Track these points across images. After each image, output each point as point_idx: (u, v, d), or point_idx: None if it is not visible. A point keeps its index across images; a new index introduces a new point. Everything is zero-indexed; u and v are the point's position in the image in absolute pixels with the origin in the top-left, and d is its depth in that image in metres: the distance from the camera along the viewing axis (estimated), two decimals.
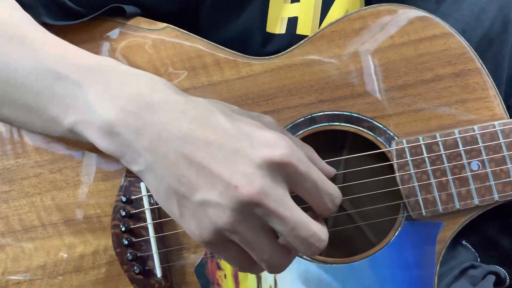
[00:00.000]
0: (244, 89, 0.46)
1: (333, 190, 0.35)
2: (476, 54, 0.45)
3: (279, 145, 0.33)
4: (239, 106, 0.46)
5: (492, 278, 0.62)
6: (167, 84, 0.37)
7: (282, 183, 0.33)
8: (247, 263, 0.35)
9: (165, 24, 0.48)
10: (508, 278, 0.64)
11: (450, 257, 0.62)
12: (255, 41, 0.51)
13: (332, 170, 0.38)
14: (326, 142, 0.52)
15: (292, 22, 0.51)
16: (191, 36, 0.47)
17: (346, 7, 0.51)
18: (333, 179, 0.53)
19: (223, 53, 0.47)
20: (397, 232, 0.44)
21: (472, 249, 0.67)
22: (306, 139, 0.47)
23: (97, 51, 0.47)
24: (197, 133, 0.33)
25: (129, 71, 0.38)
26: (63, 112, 0.37)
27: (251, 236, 0.33)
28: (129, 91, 0.35)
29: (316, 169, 0.34)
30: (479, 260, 0.66)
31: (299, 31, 0.51)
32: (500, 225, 0.73)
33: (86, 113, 0.36)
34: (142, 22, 0.48)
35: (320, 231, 0.33)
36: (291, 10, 0.51)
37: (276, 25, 0.51)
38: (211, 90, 0.46)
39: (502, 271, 0.64)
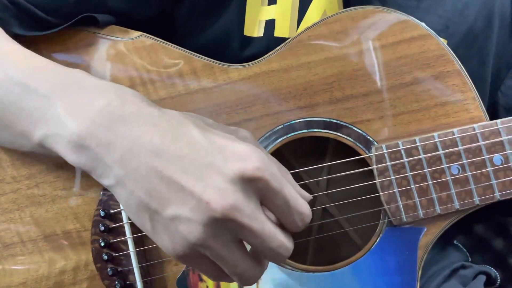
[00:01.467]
0: (222, 97, 0.46)
1: (304, 209, 0.34)
2: (454, 55, 0.44)
3: (251, 158, 0.32)
4: (217, 114, 0.46)
5: (482, 278, 0.62)
6: (140, 97, 0.36)
7: (253, 197, 0.33)
8: (222, 275, 0.35)
9: (140, 33, 0.47)
10: (499, 278, 0.64)
11: (441, 257, 0.63)
12: (233, 45, 0.51)
13: (307, 196, 0.37)
14: (308, 148, 0.51)
15: (270, 24, 0.50)
16: (167, 44, 0.46)
17: (323, 8, 0.50)
18: (317, 184, 0.53)
19: (199, 61, 0.46)
20: (379, 238, 0.44)
21: (464, 249, 0.67)
22: (287, 146, 0.47)
23: (70, 62, 0.46)
24: (169, 147, 0.33)
25: (99, 83, 0.37)
26: (32, 126, 0.37)
27: (223, 250, 0.32)
28: (100, 104, 0.35)
29: (288, 186, 0.34)
30: (470, 260, 0.66)
31: (277, 33, 0.50)
32: (492, 226, 0.74)
33: (55, 126, 0.35)
34: (116, 31, 0.47)
35: (287, 241, 0.34)
36: (268, 13, 0.50)
37: (254, 28, 0.50)
38: (188, 99, 0.46)
39: (493, 271, 0.65)
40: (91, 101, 0.35)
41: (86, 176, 0.45)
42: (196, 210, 0.31)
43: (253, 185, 0.32)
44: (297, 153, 0.52)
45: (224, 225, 0.32)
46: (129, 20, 0.48)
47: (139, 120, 0.34)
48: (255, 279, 0.35)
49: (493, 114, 0.57)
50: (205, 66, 0.46)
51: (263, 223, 0.32)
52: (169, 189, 0.32)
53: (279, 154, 0.49)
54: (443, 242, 0.64)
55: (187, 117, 0.36)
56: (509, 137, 0.42)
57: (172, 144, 0.33)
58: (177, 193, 0.32)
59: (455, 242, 0.67)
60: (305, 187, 0.50)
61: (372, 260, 0.43)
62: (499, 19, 0.56)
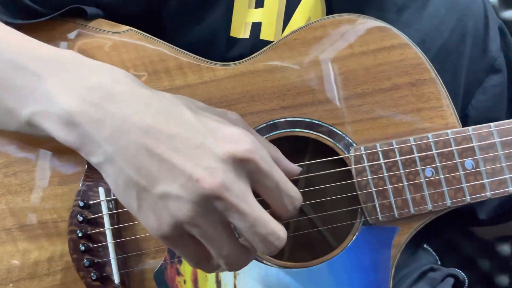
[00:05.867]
0: (207, 94, 0.46)
1: (294, 192, 0.35)
2: (431, 64, 0.47)
3: (243, 140, 0.33)
4: None
5: (450, 280, 0.64)
6: (131, 77, 0.37)
7: (244, 179, 0.33)
8: (204, 259, 0.35)
9: (128, 27, 0.47)
10: (467, 281, 0.67)
11: (411, 260, 0.64)
12: (219, 45, 0.52)
13: (296, 169, 0.38)
14: (289, 147, 0.53)
15: (256, 27, 0.52)
16: (154, 40, 0.47)
17: (308, 14, 0.52)
18: (295, 184, 0.54)
19: (186, 58, 0.47)
20: (355, 236, 0.45)
21: (433, 253, 0.70)
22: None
23: None
24: (161, 126, 0.33)
25: (91, 63, 0.37)
26: (21, 104, 0.36)
27: (211, 230, 0.33)
28: (91, 82, 0.35)
29: (278, 170, 0.35)
30: (439, 263, 0.68)
31: (263, 36, 0.52)
32: (461, 230, 0.77)
33: (45, 104, 0.35)
34: (104, 24, 0.47)
35: (279, 230, 0.34)
36: (255, 16, 0.52)
37: (240, 30, 0.52)
38: (173, 94, 0.46)
39: (461, 274, 0.67)
40: (82, 79, 0.35)
41: (65, 166, 0.45)
42: (186, 187, 0.31)
43: (243, 167, 0.33)
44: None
45: (212, 204, 0.32)
46: (118, 15, 0.49)
47: (130, 99, 0.34)
48: (241, 266, 0.35)
49: (464, 126, 0.60)
50: (191, 63, 0.47)
51: (252, 206, 0.33)
52: (159, 166, 0.32)
53: None
54: (414, 245, 0.66)
55: (179, 98, 0.37)
56: (480, 143, 0.44)
57: (163, 123, 0.33)
58: (167, 170, 0.32)
59: (425, 246, 0.69)
60: None
61: (348, 257, 0.44)
62: (472, 36, 0.59)
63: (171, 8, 0.51)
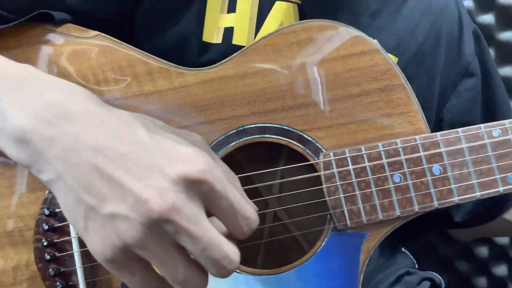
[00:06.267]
0: (177, 100, 0.46)
1: (250, 214, 0.35)
2: (400, 70, 0.47)
3: (196, 161, 0.32)
4: (171, 116, 0.46)
5: (427, 284, 0.64)
6: (88, 95, 0.36)
7: (197, 201, 0.32)
8: (157, 286, 0.33)
9: (97, 32, 0.47)
10: (443, 283, 0.67)
11: (388, 264, 0.65)
12: (192, 50, 0.51)
13: (254, 206, 0.37)
14: (263, 154, 0.53)
15: (228, 32, 0.51)
16: (123, 45, 0.47)
17: (280, 19, 0.52)
18: (269, 188, 0.55)
19: (155, 63, 0.46)
20: (324, 242, 0.45)
21: (411, 256, 0.70)
22: (241, 151, 0.48)
23: (23, 58, 0.45)
24: (113, 145, 0.33)
25: (48, 79, 0.37)
26: None
27: (163, 253, 0.32)
28: (46, 99, 0.34)
29: (234, 190, 0.34)
30: (417, 266, 0.69)
31: (235, 41, 0.52)
32: (439, 232, 0.77)
33: None
34: (73, 29, 0.47)
35: (232, 253, 0.33)
36: (228, 20, 0.52)
37: (213, 35, 0.52)
38: (142, 100, 0.46)
39: (437, 277, 0.67)
40: (37, 96, 0.35)
41: (32, 174, 0.44)
42: (134, 208, 0.31)
43: (196, 188, 0.32)
44: (251, 158, 0.53)
45: (163, 226, 0.31)
46: (88, 20, 0.48)
47: (84, 117, 0.34)
48: (200, 287, 0.33)
49: (439, 129, 0.60)
50: (161, 68, 0.46)
51: (204, 229, 0.32)
52: (108, 186, 0.32)
53: (232, 158, 0.50)
54: (392, 249, 0.66)
55: (136, 117, 0.36)
56: (448, 148, 0.44)
57: (115, 142, 0.33)
58: (116, 190, 0.31)
59: (402, 249, 0.69)
60: (256, 191, 0.51)
61: (317, 263, 0.44)
62: (446, 40, 0.60)
63: (142, 14, 0.51)
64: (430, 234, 0.80)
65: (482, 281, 0.79)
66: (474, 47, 0.62)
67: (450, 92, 0.61)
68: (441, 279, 0.67)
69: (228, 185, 0.34)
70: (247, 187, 0.48)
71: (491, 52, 0.75)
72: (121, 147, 0.33)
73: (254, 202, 0.48)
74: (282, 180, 0.48)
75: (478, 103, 0.62)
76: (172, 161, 0.32)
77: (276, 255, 0.53)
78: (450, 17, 0.61)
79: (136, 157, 0.32)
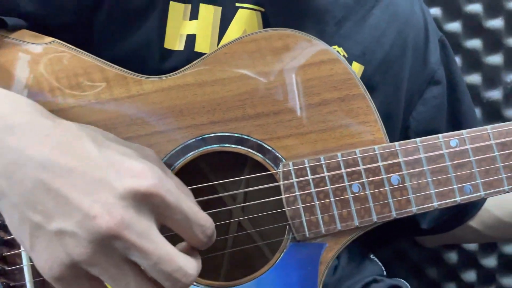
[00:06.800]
0: (134, 108, 0.45)
1: (205, 221, 0.34)
2: (360, 80, 0.47)
3: (146, 175, 0.32)
4: (128, 125, 0.45)
5: None
6: (34, 106, 0.35)
7: (147, 215, 0.32)
8: None
9: (52, 39, 0.45)
10: None
11: (356, 272, 0.65)
12: (153, 57, 0.51)
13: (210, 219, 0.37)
14: (230, 162, 0.52)
15: (191, 39, 0.51)
16: (80, 52, 0.45)
17: (243, 26, 0.52)
18: (234, 198, 0.54)
19: (112, 71, 0.45)
20: (282, 253, 0.45)
21: (379, 263, 0.70)
22: (205, 160, 0.47)
23: None
24: (59, 159, 0.32)
25: None
26: None
27: (114, 269, 0.31)
28: None
29: (186, 200, 0.33)
30: (385, 274, 0.69)
31: (197, 48, 0.51)
32: (410, 238, 0.77)
33: None
34: (27, 35, 0.45)
35: (187, 266, 0.32)
36: (190, 27, 0.51)
37: (175, 42, 0.51)
38: (98, 108, 0.45)
39: (405, 284, 0.68)
40: None
41: None
42: (82, 224, 0.30)
43: (147, 203, 0.32)
44: (217, 166, 0.52)
45: (112, 243, 0.31)
46: (46, 27, 0.47)
47: (29, 130, 0.33)
48: None
49: (405, 137, 0.61)
50: (118, 76, 0.45)
51: (155, 243, 0.31)
52: (55, 202, 0.31)
53: (197, 167, 0.49)
54: (360, 256, 0.66)
55: (84, 129, 0.35)
56: (406, 158, 0.44)
57: (62, 157, 0.32)
58: (63, 207, 0.31)
59: (371, 256, 0.69)
60: (219, 200, 0.51)
61: (276, 274, 0.44)
62: (413, 49, 0.60)
63: (100, 20, 0.50)
64: (401, 240, 0.80)
65: (451, 287, 0.80)
66: (440, 55, 0.63)
67: (417, 100, 0.62)
68: (408, 286, 0.67)
69: (181, 195, 0.33)
70: (210, 197, 0.47)
71: (458, 60, 0.76)
72: (68, 161, 0.32)
73: (217, 211, 0.48)
74: (241, 190, 0.47)
75: (444, 111, 0.63)
76: (121, 176, 0.32)
77: (242, 265, 0.52)
78: (416, 26, 0.61)
79: (84, 172, 0.31)
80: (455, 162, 0.44)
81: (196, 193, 0.42)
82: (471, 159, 0.44)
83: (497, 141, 0.44)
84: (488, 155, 0.44)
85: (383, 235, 0.65)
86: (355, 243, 0.59)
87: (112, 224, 0.30)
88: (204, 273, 0.41)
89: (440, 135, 0.45)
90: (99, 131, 0.38)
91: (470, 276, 0.78)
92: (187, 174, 0.47)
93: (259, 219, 0.49)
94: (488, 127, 0.45)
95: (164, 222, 0.33)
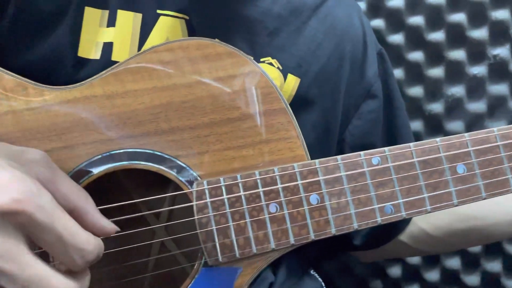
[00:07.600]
0: (34, 121, 0.41)
1: (86, 244, 0.31)
2: (281, 94, 0.45)
3: (11, 188, 0.28)
4: (27, 140, 0.41)
5: None
6: None
7: (14, 234, 0.28)
8: None
9: None
10: None
11: None
12: (65, 66, 0.47)
13: (110, 227, 0.33)
14: (154, 179, 0.49)
15: (107, 47, 0.47)
16: None
17: (166, 35, 0.49)
18: (158, 216, 0.51)
19: (11, 80, 0.41)
20: (193, 280, 0.42)
21: (319, 279, 0.68)
22: (130, 175, 0.43)
23: None
24: None
25: None
26: None
27: None
28: None
29: (64, 220, 0.30)
30: None
31: (115, 57, 0.47)
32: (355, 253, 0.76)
33: None
34: None
35: (68, 286, 0.29)
36: (106, 35, 0.48)
37: (91, 50, 0.47)
38: None
39: None
40: None
41: None
42: None
43: (11, 220, 0.28)
44: (141, 184, 0.49)
45: None
46: None
47: None
48: None
49: (341, 151, 0.59)
50: (17, 85, 0.41)
51: (22, 265, 0.28)
52: None
53: (120, 184, 0.46)
54: (301, 272, 0.64)
55: None
56: (326, 177, 0.42)
57: None
58: None
59: (311, 272, 0.67)
60: (141, 219, 0.47)
61: None
62: (350, 61, 0.59)
63: (5, 25, 0.45)
64: (345, 254, 0.79)
65: None
66: (378, 68, 0.62)
67: (353, 114, 0.60)
68: None
69: (56, 212, 0.29)
70: (130, 215, 0.44)
71: (401, 72, 0.76)
72: None
73: (140, 231, 0.45)
74: (156, 210, 0.44)
75: (379, 125, 0.62)
76: None
77: (168, 286, 0.49)
78: (355, 38, 0.60)
79: None
80: (376, 180, 0.42)
81: (116, 212, 0.39)
82: (392, 177, 0.42)
83: (419, 159, 0.43)
84: (410, 173, 0.42)
85: (320, 251, 0.63)
86: (294, 259, 0.57)
87: None
88: None
89: (362, 152, 0.43)
90: None
91: None
92: (108, 191, 0.43)
93: (182, 239, 0.46)
94: (411, 144, 0.43)
95: (35, 241, 0.30)
